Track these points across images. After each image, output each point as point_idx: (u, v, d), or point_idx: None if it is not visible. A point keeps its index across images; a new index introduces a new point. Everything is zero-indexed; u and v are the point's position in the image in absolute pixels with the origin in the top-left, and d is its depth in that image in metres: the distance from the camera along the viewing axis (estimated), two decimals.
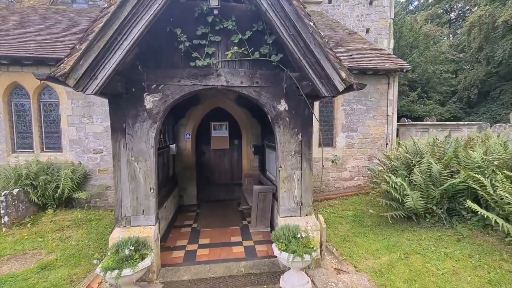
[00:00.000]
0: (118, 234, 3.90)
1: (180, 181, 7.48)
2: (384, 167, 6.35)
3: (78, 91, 3.08)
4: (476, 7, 20.96)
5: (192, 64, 3.88)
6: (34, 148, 7.15)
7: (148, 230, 3.99)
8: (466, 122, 9.95)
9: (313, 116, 4.27)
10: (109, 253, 3.43)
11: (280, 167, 4.27)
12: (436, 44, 20.87)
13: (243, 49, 3.98)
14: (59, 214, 6.37)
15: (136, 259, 3.34)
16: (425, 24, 21.89)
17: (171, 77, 3.92)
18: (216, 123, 7.66)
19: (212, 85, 4.00)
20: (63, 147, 7.16)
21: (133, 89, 3.87)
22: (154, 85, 3.91)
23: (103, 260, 3.32)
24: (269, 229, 5.73)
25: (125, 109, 3.88)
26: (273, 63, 4.05)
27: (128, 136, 3.91)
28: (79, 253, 4.86)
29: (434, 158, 5.25)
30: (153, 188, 4.03)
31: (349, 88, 3.58)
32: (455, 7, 25.19)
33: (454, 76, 20.94)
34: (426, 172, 5.16)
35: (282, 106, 4.17)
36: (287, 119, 4.20)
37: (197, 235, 5.53)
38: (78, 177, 6.88)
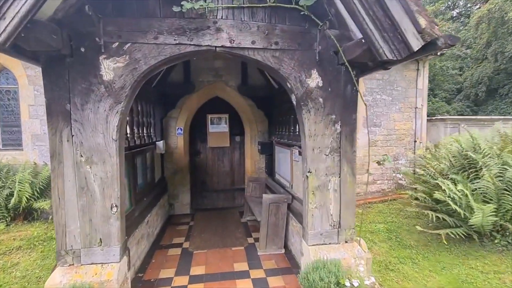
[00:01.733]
0: (59, 279, 2.39)
1: (170, 187, 5.96)
2: (427, 170, 4.89)
3: None
4: (481, 4, 19.74)
5: (176, 9, 2.37)
6: None
7: (109, 271, 2.47)
8: (501, 117, 8.59)
9: (359, 96, 2.80)
10: None
11: (309, 172, 2.78)
12: None
13: None
14: (12, 230, 4.81)
15: None
16: None
17: (144, 31, 2.41)
18: (214, 115, 6.16)
19: (208, 45, 2.51)
20: (24, 144, 5.59)
21: (82, 49, 2.36)
22: (117, 44, 2.40)
23: None
24: (282, 251, 4.24)
25: (69, 81, 2.37)
26: (302, 13, 2.56)
27: (75, 124, 2.40)
28: None
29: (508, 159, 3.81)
30: (116, 205, 2.51)
31: (429, 46, 2.12)
32: (457, 4, 24.00)
33: (461, 73, 19.67)
34: (497, 177, 3.71)
35: (314, 80, 2.69)
36: (321, 100, 2.71)
37: (189, 261, 4.01)
38: (42, 182, 5.32)
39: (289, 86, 2.69)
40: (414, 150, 6.46)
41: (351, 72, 2.62)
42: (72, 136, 2.40)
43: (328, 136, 2.76)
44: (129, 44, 2.40)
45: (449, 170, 4.38)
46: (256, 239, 4.66)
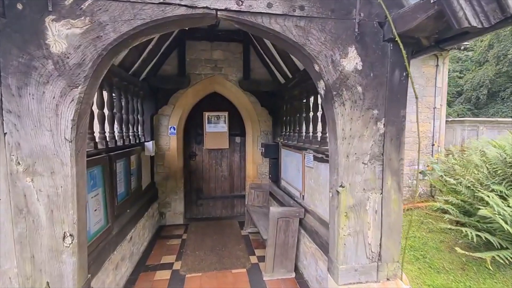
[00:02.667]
0: None
1: (161, 194, 5.15)
2: (455, 177, 4.16)
3: None
4: None
5: None
6: None
7: None
8: None
9: (410, 85, 2.05)
10: None
11: (341, 186, 2.02)
12: None
13: None
14: None
15: None
16: None
17: None
18: (211, 113, 5.37)
19: (206, 7, 1.73)
20: None
21: (19, 6, 1.57)
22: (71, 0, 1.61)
23: None
24: (293, 275, 3.48)
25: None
26: None
27: (8, 116, 1.60)
28: None
29: None
30: (71, 235, 1.72)
31: None
32: None
33: (462, 75, 19.18)
34: None
35: (351, 61, 1.92)
36: (359, 88, 1.95)
37: None
38: None
39: (316, 69, 1.92)
40: (432, 154, 5.75)
41: (403, 51, 1.87)
42: (5, 134, 1.60)
43: (367, 139, 2.00)
44: (90, 1, 1.61)
45: (488, 179, 3.66)
46: (260, 258, 3.88)
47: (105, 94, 3.39)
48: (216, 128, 5.42)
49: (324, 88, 1.97)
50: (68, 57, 1.62)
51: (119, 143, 3.60)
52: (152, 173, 4.96)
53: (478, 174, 3.77)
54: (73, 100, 1.64)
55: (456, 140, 6.63)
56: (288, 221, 3.43)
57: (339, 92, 1.93)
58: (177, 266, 3.71)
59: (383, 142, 2.02)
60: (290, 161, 4.30)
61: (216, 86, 5.18)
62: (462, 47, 5.80)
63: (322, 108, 3.30)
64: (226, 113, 5.40)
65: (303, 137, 3.90)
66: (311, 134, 3.64)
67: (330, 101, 1.97)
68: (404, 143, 2.08)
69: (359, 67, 1.93)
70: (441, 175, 4.58)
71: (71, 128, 1.66)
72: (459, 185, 3.96)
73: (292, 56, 3.83)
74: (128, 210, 3.61)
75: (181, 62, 4.98)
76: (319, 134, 3.46)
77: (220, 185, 5.59)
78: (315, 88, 3.57)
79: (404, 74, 1.99)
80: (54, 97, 1.63)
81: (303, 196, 3.72)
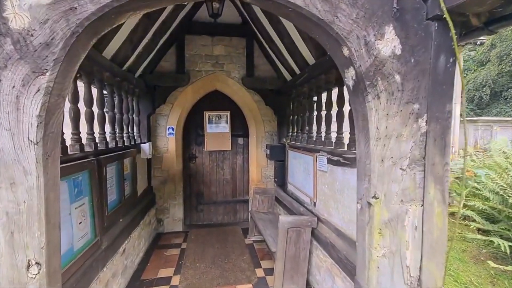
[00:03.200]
0: None
1: (159, 199, 4.76)
2: (481, 181, 3.79)
3: None
4: None
5: None
6: None
7: None
8: None
9: (458, 73, 1.68)
10: None
11: (375, 197, 1.64)
12: None
13: None
14: None
15: None
16: None
17: None
18: (212, 113, 4.99)
19: None
20: None
21: None
22: None
23: None
24: None
25: None
26: None
27: None
28: None
29: None
30: (38, 263, 1.33)
31: None
32: None
33: (465, 75, 18.89)
34: None
35: (388, 43, 1.55)
36: (397, 77, 1.58)
37: None
38: None
39: (345, 53, 1.55)
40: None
41: (452, 31, 1.51)
42: None
43: (406, 139, 1.62)
44: None
45: None
46: (267, 271, 3.50)
47: (95, 91, 3.02)
48: (217, 128, 5.04)
49: (354, 78, 1.60)
50: (32, 35, 1.24)
51: (111, 145, 3.22)
52: (149, 177, 4.58)
53: (507, 178, 3.41)
54: (39, 90, 1.26)
55: (469, 141, 6.28)
56: (299, 231, 3.06)
57: (373, 82, 1.56)
58: (175, 281, 3.33)
59: (424, 144, 1.65)
60: (299, 164, 3.93)
61: (217, 84, 4.81)
62: (479, 42, 5.44)
63: (337, 105, 2.94)
64: (228, 113, 5.03)
65: (314, 138, 3.53)
66: (323, 134, 3.27)
67: (362, 94, 1.60)
68: (450, 145, 1.71)
69: (398, 51, 1.56)
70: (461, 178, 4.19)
71: (37, 126, 1.28)
72: (484, 189, 3.59)
73: (300, 50, 3.46)
74: (121, 220, 3.22)
75: (179, 58, 4.60)
76: (333, 134, 3.08)
77: (222, 189, 5.21)
78: (328, 83, 3.21)
79: (451, 60, 1.61)
80: (14, 86, 1.25)
81: (315, 202, 3.34)
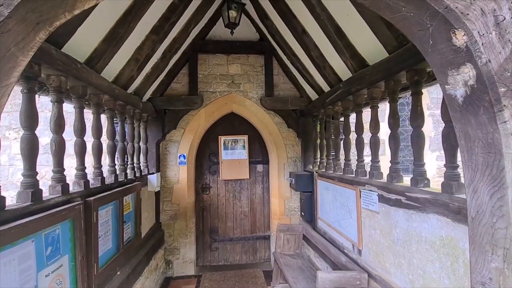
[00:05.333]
0: None
1: (168, 237, 4.07)
2: None
3: None
4: None
5: None
6: None
7: None
8: None
9: None
10: None
11: None
12: None
13: None
14: None
15: None
16: None
17: None
18: (228, 137, 4.40)
19: None
20: None
21: None
22: None
23: None
24: None
25: None
26: None
27: None
28: None
29: None
30: None
31: None
32: None
33: None
34: None
35: None
36: None
37: None
38: None
39: (461, 40, 0.90)
40: None
41: None
42: None
43: None
44: None
45: None
46: None
47: (91, 117, 2.50)
48: (233, 155, 4.42)
49: (473, 82, 0.93)
50: None
51: (109, 180, 2.63)
52: (157, 212, 3.94)
53: None
54: None
55: None
56: None
57: (511, 87, 0.88)
58: None
59: None
60: (333, 197, 3.18)
61: (233, 106, 4.26)
62: None
63: (390, 126, 2.24)
64: (245, 137, 4.42)
65: (353, 167, 2.82)
66: (369, 163, 2.55)
67: (486, 109, 0.92)
68: None
69: None
70: None
71: None
72: None
73: (331, 64, 2.86)
74: (118, 272, 2.55)
75: (192, 78, 4.13)
76: (384, 164, 2.36)
77: (239, 224, 4.47)
78: (373, 99, 2.54)
79: None
80: None
81: (360, 250, 2.55)
